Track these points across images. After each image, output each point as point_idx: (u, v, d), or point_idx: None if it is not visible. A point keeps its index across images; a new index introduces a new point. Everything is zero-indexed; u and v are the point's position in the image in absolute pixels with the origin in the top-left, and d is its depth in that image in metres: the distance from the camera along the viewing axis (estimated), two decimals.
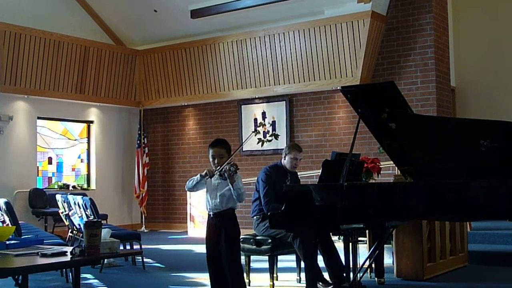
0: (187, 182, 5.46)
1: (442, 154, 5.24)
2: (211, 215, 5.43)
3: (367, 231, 7.43)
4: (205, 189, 5.48)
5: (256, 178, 7.03)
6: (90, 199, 8.37)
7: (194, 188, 5.45)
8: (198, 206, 12.63)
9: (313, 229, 5.42)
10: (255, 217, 6.85)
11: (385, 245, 7.23)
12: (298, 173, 7.38)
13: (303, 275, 6.37)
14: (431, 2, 11.21)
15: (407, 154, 5.43)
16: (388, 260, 7.54)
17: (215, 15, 12.65)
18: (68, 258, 4.26)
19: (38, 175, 12.91)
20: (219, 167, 5.25)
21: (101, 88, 13.48)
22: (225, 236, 5.33)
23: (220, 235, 5.34)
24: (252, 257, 6.90)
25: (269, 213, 5.54)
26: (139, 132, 14.22)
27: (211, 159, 5.39)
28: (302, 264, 6.34)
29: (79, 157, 13.98)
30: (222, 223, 5.36)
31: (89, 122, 14.03)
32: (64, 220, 9.69)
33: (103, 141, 14.18)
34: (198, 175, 5.36)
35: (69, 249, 4.46)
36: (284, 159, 6.86)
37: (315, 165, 11.74)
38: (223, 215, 5.37)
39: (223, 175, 5.26)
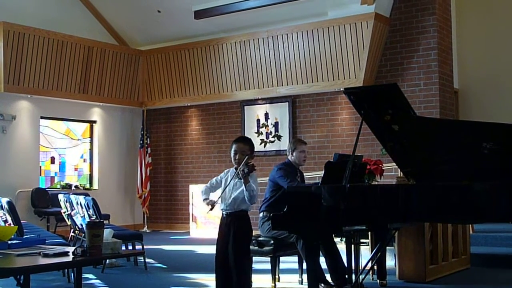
0: (202, 189, 5.57)
1: (445, 156, 5.23)
2: (224, 215, 5.43)
3: (369, 233, 7.43)
4: (221, 188, 5.48)
5: (263, 178, 7.01)
6: (93, 199, 8.38)
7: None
8: (200, 206, 12.62)
9: (316, 231, 5.41)
10: (261, 214, 6.81)
11: (387, 247, 7.23)
12: None
13: (305, 276, 6.36)
14: (434, 4, 11.21)
15: (409, 156, 5.43)
16: (390, 262, 7.54)
17: (219, 16, 12.66)
18: (70, 258, 4.25)
19: (40, 175, 12.92)
20: (241, 166, 5.21)
21: (104, 88, 13.49)
22: (234, 236, 5.32)
23: (229, 235, 5.34)
24: (254, 258, 6.86)
25: (271, 214, 5.53)
26: (142, 132, 14.23)
27: (232, 154, 5.37)
28: (304, 266, 6.33)
29: (81, 157, 14.00)
30: (232, 223, 5.35)
31: (92, 122, 14.04)
32: (67, 220, 9.70)
33: (106, 141, 14.19)
34: (203, 198, 5.45)
35: (71, 249, 4.45)
36: (292, 155, 6.86)
37: (317, 167, 11.73)
38: (235, 215, 5.36)
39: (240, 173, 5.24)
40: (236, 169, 5.32)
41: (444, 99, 11.28)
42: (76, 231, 9.33)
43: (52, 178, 13.39)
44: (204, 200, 5.42)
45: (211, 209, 5.27)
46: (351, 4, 11.30)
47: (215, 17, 12.75)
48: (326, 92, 12.12)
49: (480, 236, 8.95)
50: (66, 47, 12.59)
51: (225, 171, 5.54)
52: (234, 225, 5.35)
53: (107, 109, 14.12)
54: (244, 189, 5.19)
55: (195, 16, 12.95)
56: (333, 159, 6.67)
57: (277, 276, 6.90)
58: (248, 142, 5.44)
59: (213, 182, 5.57)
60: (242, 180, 5.18)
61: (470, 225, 8.64)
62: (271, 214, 5.51)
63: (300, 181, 6.93)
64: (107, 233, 4.63)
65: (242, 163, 5.20)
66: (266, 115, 12.92)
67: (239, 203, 5.31)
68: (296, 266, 7.13)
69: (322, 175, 5.92)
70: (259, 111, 13.04)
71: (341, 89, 11.23)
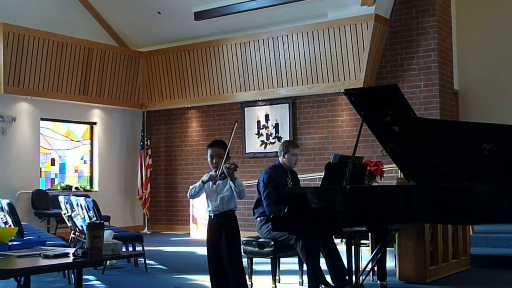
0: (190, 191, 5.48)
1: (445, 157, 5.23)
2: (212, 217, 5.44)
3: (369, 234, 7.43)
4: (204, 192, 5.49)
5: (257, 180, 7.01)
6: (93, 200, 8.39)
7: (197, 195, 5.48)
8: (201, 208, 12.62)
9: (316, 232, 5.41)
10: (258, 219, 6.84)
11: (387, 248, 7.22)
12: (300, 175, 7.38)
13: (305, 277, 6.36)
14: (434, 5, 11.21)
15: (410, 157, 5.43)
16: (391, 263, 7.54)
17: (219, 17, 12.66)
18: (70, 259, 4.26)
19: (41, 176, 12.92)
20: (220, 167, 5.24)
21: (105, 89, 13.49)
22: (226, 237, 5.34)
23: (220, 236, 5.36)
24: (255, 260, 6.89)
25: (271, 216, 5.53)
26: (142, 133, 14.23)
27: (209, 159, 5.44)
28: (305, 267, 6.33)
29: (82, 158, 13.99)
30: (222, 224, 5.38)
31: (92, 124, 14.04)
32: (67, 222, 9.70)
33: (106, 143, 14.19)
34: (200, 182, 5.38)
35: (71, 250, 4.45)
36: (284, 158, 6.85)
37: (318, 168, 11.74)
38: (224, 216, 5.39)
39: (223, 174, 5.26)
40: (215, 172, 5.33)
41: (444, 100, 11.28)
42: (77, 233, 9.33)
43: (53, 180, 13.39)
44: (205, 182, 5.34)
45: (214, 183, 5.28)
46: (351, 5, 11.30)
47: (215, 18, 12.75)
48: (327, 93, 12.12)
49: (480, 237, 8.96)
50: (66, 48, 12.59)
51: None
52: (225, 225, 5.37)
53: (107, 111, 14.12)
54: (233, 185, 5.23)
55: (195, 17, 12.95)
56: (332, 160, 6.67)
57: (277, 277, 6.91)
58: (223, 145, 5.49)
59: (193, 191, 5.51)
60: (229, 178, 5.21)
61: (470, 226, 8.64)
62: (272, 216, 5.51)
63: (292, 182, 6.92)
64: (108, 234, 4.62)
65: (222, 164, 5.22)
66: (267, 116, 12.92)
67: (227, 201, 5.35)
68: (296, 267, 7.13)
69: (322, 176, 5.92)
70: (260, 112, 13.03)
71: (342, 91, 11.23)
